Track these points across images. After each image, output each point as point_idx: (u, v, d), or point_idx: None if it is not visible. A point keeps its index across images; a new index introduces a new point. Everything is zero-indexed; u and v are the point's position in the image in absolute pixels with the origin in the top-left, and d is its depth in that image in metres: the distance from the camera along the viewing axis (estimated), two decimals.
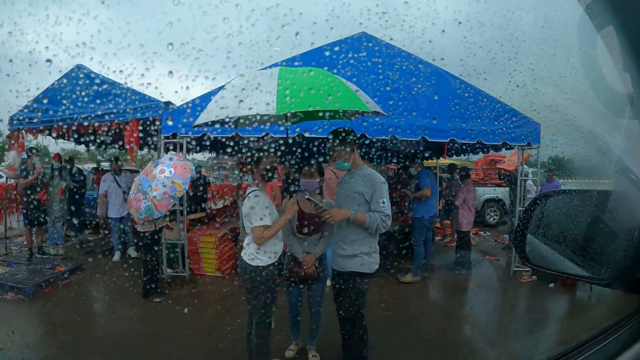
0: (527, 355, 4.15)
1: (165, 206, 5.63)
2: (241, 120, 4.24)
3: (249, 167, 3.86)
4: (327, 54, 6.93)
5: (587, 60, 1.26)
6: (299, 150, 7.80)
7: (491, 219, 14.13)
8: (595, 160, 1.52)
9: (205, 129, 4.44)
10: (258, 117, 4.07)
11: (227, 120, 3.77)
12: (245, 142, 6.96)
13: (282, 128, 5.27)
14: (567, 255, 1.62)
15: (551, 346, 4.01)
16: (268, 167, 3.69)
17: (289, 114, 4.15)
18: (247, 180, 9.99)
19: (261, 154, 3.73)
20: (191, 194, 8.72)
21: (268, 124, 4.39)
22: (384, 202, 3.59)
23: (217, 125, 3.80)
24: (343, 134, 3.73)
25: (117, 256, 8.72)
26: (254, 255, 3.64)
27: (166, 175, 5.76)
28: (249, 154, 3.81)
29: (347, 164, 3.77)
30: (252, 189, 3.71)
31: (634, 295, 1.16)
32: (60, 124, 7.81)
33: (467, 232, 8.23)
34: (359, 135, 3.62)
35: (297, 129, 5.75)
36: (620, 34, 1.04)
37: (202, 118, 3.50)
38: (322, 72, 3.59)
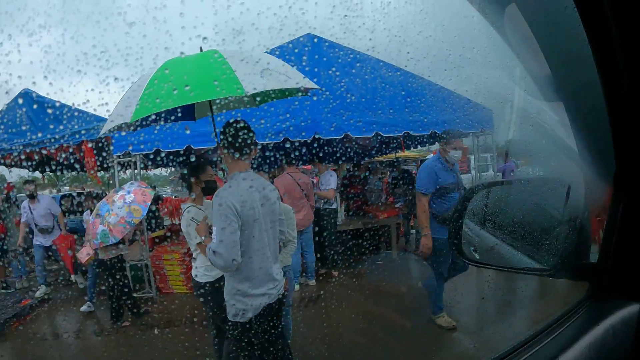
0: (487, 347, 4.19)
1: (120, 232, 5.52)
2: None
3: (186, 181, 3.65)
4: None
5: (498, 41, 1.20)
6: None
7: None
8: (535, 144, 1.51)
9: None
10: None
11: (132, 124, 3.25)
12: (199, 154, 6.88)
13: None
14: (515, 247, 1.58)
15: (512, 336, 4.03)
16: (207, 180, 3.55)
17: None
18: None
19: (199, 167, 3.60)
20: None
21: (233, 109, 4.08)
22: (212, 231, 2.71)
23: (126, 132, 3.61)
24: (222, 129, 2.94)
25: (41, 292, 7.68)
26: (202, 272, 3.54)
27: (125, 200, 5.70)
28: (187, 167, 3.63)
29: (225, 169, 3.02)
30: (187, 205, 3.59)
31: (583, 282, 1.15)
32: (12, 152, 7.60)
33: None
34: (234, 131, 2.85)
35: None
36: (523, 9, 0.97)
37: (104, 128, 3.30)
38: (208, 54, 3.07)
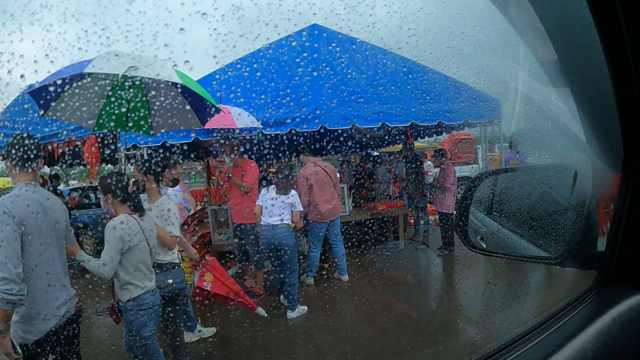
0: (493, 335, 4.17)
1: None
2: None
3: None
4: (279, 50, 6.86)
5: (506, 28, 1.16)
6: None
7: None
8: (542, 131, 1.48)
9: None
10: None
11: None
12: (207, 145, 6.89)
13: None
14: (522, 235, 1.56)
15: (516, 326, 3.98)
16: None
17: None
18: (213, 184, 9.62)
19: (164, 162, 3.55)
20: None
21: None
22: None
23: None
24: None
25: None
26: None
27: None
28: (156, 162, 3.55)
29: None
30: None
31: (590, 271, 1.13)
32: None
33: (450, 213, 8.07)
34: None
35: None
36: None
37: None
38: None
